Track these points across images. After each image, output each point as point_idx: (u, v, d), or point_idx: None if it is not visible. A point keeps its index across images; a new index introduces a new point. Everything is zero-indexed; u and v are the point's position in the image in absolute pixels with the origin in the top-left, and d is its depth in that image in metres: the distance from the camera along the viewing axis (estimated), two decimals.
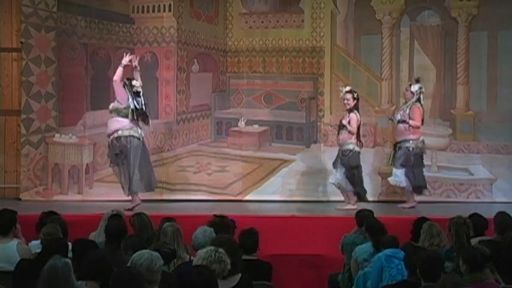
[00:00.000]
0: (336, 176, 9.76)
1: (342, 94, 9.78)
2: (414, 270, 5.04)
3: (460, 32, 11.25)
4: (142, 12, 11.38)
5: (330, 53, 11.32)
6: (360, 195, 9.77)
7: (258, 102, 11.47)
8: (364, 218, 6.90)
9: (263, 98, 11.48)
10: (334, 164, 9.80)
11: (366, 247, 6.37)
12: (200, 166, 11.28)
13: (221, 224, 6.44)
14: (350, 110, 9.65)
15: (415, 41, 11.46)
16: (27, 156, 10.83)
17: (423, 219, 6.66)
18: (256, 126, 11.43)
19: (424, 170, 10.06)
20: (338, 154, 9.76)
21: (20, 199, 10.70)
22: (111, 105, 9.49)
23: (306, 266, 8.37)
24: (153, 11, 11.34)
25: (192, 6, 11.49)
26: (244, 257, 5.64)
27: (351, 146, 9.60)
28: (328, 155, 11.12)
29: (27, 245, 6.46)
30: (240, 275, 5.00)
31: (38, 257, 5.44)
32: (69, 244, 5.70)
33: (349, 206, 9.61)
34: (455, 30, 11.29)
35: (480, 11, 11.17)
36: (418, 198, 10.55)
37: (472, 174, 11.14)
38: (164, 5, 11.30)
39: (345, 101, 9.71)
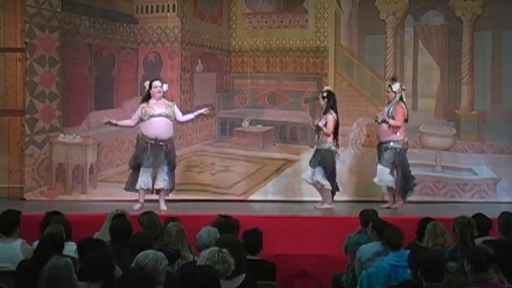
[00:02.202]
0: (309, 173, 9.79)
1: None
2: (417, 270, 5.03)
3: (464, 32, 11.24)
4: (146, 12, 11.38)
5: (334, 53, 11.32)
6: (333, 193, 9.77)
7: (262, 102, 11.46)
8: (370, 218, 6.89)
9: (267, 98, 11.48)
10: (310, 162, 9.80)
11: (370, 246, 6.36)
12: (204, 166, 11.28)
13: (225, 224, 6.44)
14: (326, 111, 9.65)
15: (419, 41, 11.46)
16: (31, 156, 10.84)
17: (428, 219, 6.66)
18: (260, 126, 11.43)
19: (410, 170, 9.88)
20: (314, 153, 9.77)
21: (24, 199, 10.71)
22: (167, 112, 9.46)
23: (310, 266, 8.36)
24: (157, 11, 11.35)
25: (196, 6, 11.48)
26: (248, 257, 5.64)
27: (326, 146, 9.62)
28: None
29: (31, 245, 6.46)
30: (244, 275, 5.00)
31: (34, 256, 5.45)
32: (74, 244, 5.71)
33: (325, 206, 9.67)
34: (460, 30, 11.28)
35: (484, 10, 11.16)
36: (423, 198, 10.56)
37: (476, 174, 11.13)
38: (168, 5, 11.30)
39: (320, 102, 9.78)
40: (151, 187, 9.42)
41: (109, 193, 10.72)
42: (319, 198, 10.02)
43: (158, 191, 9.49)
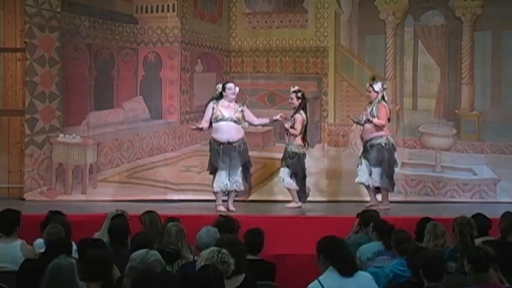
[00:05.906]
0: (284, 173, 9.75)
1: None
2: (417, 270, 5.03)
3: (464, 32, 11.24)
4: (146, 12, 11.38)
5: (334, 53, 11.32)
6: (304, 196, 9.73)
7: (261, 102, 11.46)
8: (372, 219, 6.87)
9: (267, 98, 11.48)
10: (281, 162, 9.77)
11: (371, 246, 6.35)
12: (204, 166, 11.21)
13: (226, 224, 6.43)
14: (296, 111, 9.61)
15: (419, 41, 11.46)
16: (31, 156, 10.84)
17: (427, 219, 6.65)
18: (260, 126, 11.39)
19: (396, 169, 9.78)
20: (285, 153, 9.69)
21: (23, 199, 10.72)
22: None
23: (310, 266, 8.33)
24: (157, 11, 11.35)
25: (195, 6, 11.49)
26: (248, 256, 5.63)
27: (296, 149, 9.57)
28: (332, 155, 11.15)
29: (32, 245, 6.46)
30: (244, 275, 4.99)
31: (42, 257, 5.44)
32: (74, 244, 5.70)
33: (293, 205, 9.64)
34: (460, 30, 11.29)
35: (484, 10, 11.17)
36: (423, 198, 10.54)
37: (476, 174, 11.13)
38: (168, 5, 11.31)
39: (290, 101, 9.68)
40: (228, 188, 9.39)
41: (109, 193, 10.73)
42: (319, 198, 10.02)
43: (229, 192, 9.47)
